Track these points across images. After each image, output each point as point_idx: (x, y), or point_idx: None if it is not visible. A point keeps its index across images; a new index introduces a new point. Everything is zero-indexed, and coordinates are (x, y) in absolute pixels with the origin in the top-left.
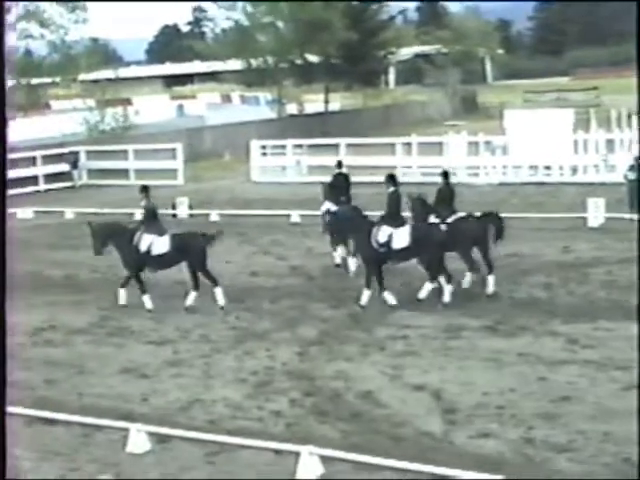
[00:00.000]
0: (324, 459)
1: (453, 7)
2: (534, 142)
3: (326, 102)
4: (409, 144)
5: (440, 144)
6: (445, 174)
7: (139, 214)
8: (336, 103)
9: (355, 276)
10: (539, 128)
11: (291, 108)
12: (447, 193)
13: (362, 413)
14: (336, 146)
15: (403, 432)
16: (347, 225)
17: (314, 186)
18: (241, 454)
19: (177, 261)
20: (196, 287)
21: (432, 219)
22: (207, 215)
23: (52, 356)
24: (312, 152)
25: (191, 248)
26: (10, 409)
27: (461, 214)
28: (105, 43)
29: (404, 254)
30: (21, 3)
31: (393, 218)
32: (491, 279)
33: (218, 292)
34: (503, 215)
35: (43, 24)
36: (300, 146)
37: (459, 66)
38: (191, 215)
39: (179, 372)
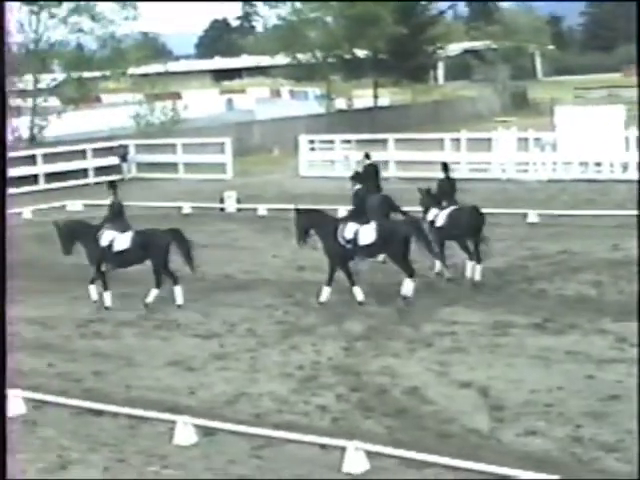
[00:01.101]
0: (370, 454)
1: (504, 2)
2: (584, 138)
3: (375, 97)
4: (458, 140)
5: (489, 140)
6: (445, 167)
7: (187, 207)
8: (385, 98)
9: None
10: (590, 124)
11: (340, 103)
12: (448, 185)
13: (408, 409)
14: (384, 141)
15: (450, 429)
16: (313, 221)
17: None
18: (287, 448)
19: (139, 258)
20: (158, 285)
21: (434, 210)
22: (255, 209)
23: (100, 348)
24: (360, 147)
25: (153, 245)
26: (57, 400)
27: (464, 206)
28: (155, 37)
29: (370, 250)
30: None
31: (359, 215)
32: (478, 268)
33: (177, 291)
34: (553, 212)
35: (94, 18)
36: (348, 141)
37: (509, 62)
38: (239, 209)
39: (225, 365)
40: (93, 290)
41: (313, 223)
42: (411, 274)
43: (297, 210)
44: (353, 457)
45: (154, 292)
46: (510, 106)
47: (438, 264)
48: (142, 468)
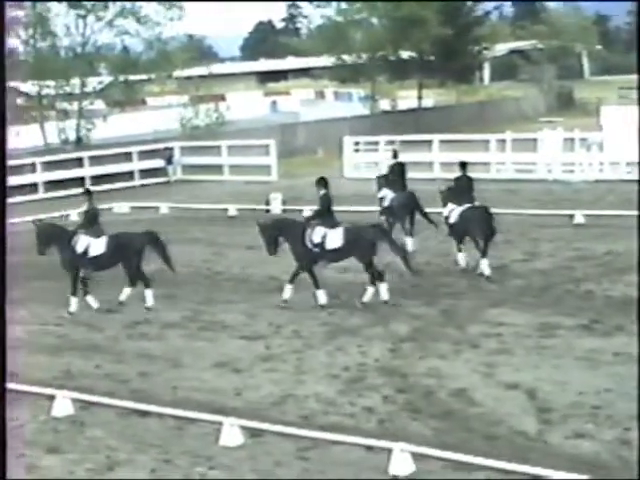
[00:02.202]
0: (416, 456)
1: (551, 2)
2: (631, 138)
3: (419, 98)
4: (503, 140)
5: (535, 140)
6: (463, 165)
7: (233, 209)
8: (429, 99)
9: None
10: (636, 124)
11: (384, 104)
12: (465, 184)
13: (455, 411)
14: (429, 142)
15: (497, 431)
16: (280, 228)
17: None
18: (333, 450)
19: (113, 262)
20: (131, 283)
21: (450, 206)
22: (300, 211)
23: (146, 349)
24: (405, 148)
25: (127, 249)
26: (104, 400)
27: (476, 204)
28: (200, 39)
29: (336, 254)
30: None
31: (327, 219)
32: (485, 262)
33: (148, 293)
34: (600, 213)
35: (140, 21)
36: (393, 142)
37: (555, 62)
38: (284, 211)
39: (271, 367)
40: (74, 301)
41: (280, 230)
42: (381, 279)
43: (259, 223)
44: (399, 459)
45: (127, 290)
46: (556, 106)
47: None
48: (189, 469)
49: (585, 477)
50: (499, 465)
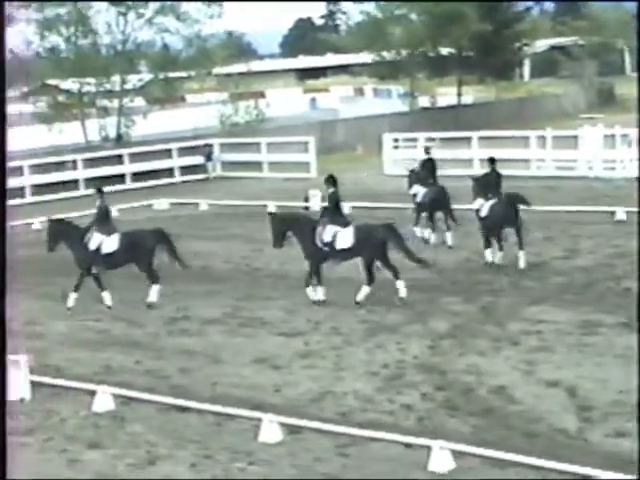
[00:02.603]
0: (455, 453)
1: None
2: None
3: (459, 95)
4: (543, 137)
5: (575, 137)
6: (492, 160)
7: (272, 206)
8: (469, 96)
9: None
10: None
11: (423, 101)
12: (494, 178)
13: (494, 408)
14: (469, 139)
15: (536, 428)
16: (289, 224)
17: (445, 180)
18: (372, 447)
19: (125, 260)
20: (154, 281)
21: (480, 200)
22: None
23: (186, 345)
24: (444, 145)
25: (138, 247)
26: (144, 396)
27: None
28: (240, 36)
29: (347, 254)
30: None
31: (338, 218)
32: (522, 254)
33: (154, 289)
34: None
35: (179, 18)
36: (432, 139)
37: (596, 58)
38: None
39: (310, 364)
40: (73, 297)
41: (290, 226)
42: (397, 275)
43: (271, 214)
44: (438, 456)
45: (156, 288)
46: (597, 103)
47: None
48: (228, 464)
49: (630, 477)
50: (538, 463)
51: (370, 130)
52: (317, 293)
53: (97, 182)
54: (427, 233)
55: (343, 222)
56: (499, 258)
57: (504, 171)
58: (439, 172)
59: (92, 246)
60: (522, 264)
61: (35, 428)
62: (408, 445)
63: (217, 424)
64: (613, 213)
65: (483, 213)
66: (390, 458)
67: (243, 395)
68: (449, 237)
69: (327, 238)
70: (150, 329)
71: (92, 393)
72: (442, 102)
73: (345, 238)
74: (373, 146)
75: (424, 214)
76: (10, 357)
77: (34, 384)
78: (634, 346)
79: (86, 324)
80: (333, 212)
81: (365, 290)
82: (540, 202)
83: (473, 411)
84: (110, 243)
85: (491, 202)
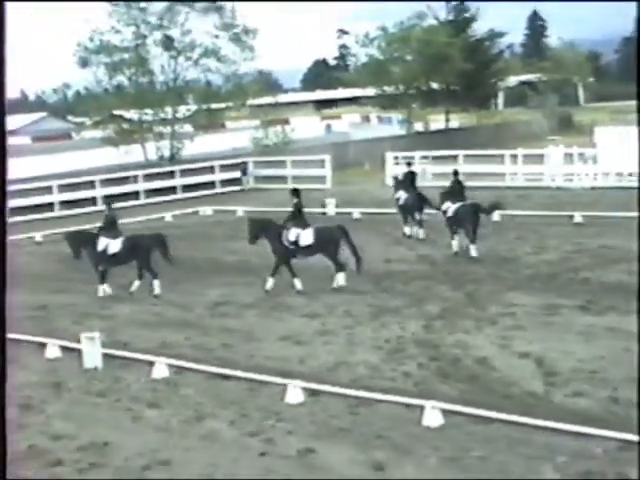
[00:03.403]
0: (445, 412)
1: (552, 42)
2: (619, 153)
3: (447, 121)
4: (515, 155)
5: (541, 155)
6: (455, 173)
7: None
8: (455, 122)
9: (473, 261)
10: (623, 141)
11: (418, 126)
12: (457, 187)
13: (477, 375)
14: (455, 157)
15: (511, 391)
16: (261, 228)
17: (437, 190)
18: (377, 407)
19: (128, 259)
20: (140, 277)
21: (447, 204)
22: (350, 213)
23: (227, 325)
24: (435, 162)
25: (138, 249)
26: (193, 366)
27: (467, 202)
28: (268, 73)
29: (309, 250)
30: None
31: (299, 222)
32: (473, 247)
33: (156, 283)
34: (595, 214)
35: (220, 60)
36: (426, 157)
37: (557, 91)
38: (337, 213)
39: (327, 340)
40: (101, 288)
41: (262, 229)
42: (342, 269)
43: (248, 219)
44: (431, 414)
45: (136, 283)
46: (558, 127)
47: (472, 249)
48: (261, 422)
49: (585, 429)
50: (513, 419)
51: (375, 150)
52: (296, 284)
53: (154, 193)
54: (411, 230)
55: (304, 225)
56: (474, 249)
57: (484, 183)
58: (432, 183)
59: (100, 248)
60: (473, 253)
61: (106, 391)
62: (407, 405)
63: (251, 389)
64: (572, 217)
65: (449, 214)
66: (391, 416)
67: (273, 365)
68: (421, 232)
69: (292, 238)
70: (198, 312)
71: (151, 363)
72: (433, 127)
73: (306, 238)
74: (378, 163)
75: (408, 215)
76: (86, 334)
77: (105, 356)
78: (590, 324)
79: (145, 308)
80: (296, 217)
81: (339, 278)
82: (513, 208)
83: (460, 378)
84: (114, 245)
85: (456, 205)
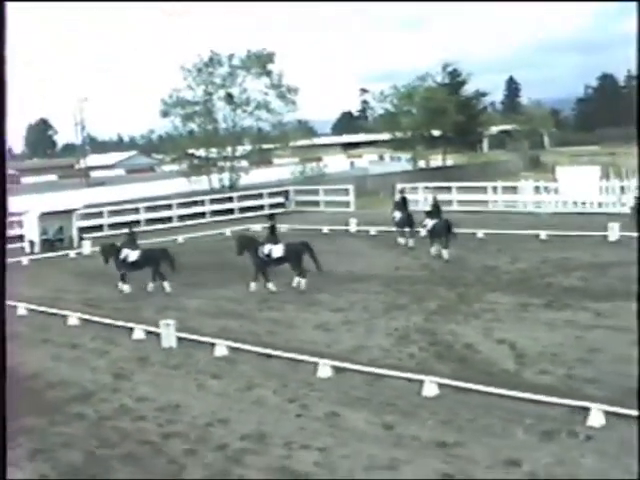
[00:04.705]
0: (440, 385)
1: (524, 101)
2: (576, 186)
3: (444, 160)
4: (496, 187)
5: (515, 187)
6: (434, 199)
7: (326, 229)
8: (450, 161)
9: (463, 268)
10: (579, 178)
11: (421, 164)
12: (435, 209)
13: (465, 357)
14: (450, 188)
15: (491, 369)
16: (245, 243)
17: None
18: (387, 380)
19: (144, 266)
20: (153, 279)
21: (427, 220)
22: (368, 230)
23: (272, 316)
24: (435, 192)
25: (152, 258)
26: (246, 347)
27: (441, 219)
28: (305, 122)
29: (279, 261)
30: (253, 99)
31: (272, 239)
32: (445, 252)
33: (166, 285)
34: (557, 233)
35: (269, 111)
36: (428, 187)
37: (528, 138)
38: (358, 230)
39: (350, 329)
40: (121, 285)
41: (246, 244)
42: (303, 275)
43: (236, 237)
44: (428, 386)
45: (151, 285)
46: (528, 166)
47: (444, 253)
48: (297, 391)
49: (546, 398)
50: (492, 390)
51: (388, 182)
52: (270, 287)
53: (217, 214)
54: (405, 240)
55: (275, 241)
56: (445, 254)
57: (471, 208)
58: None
59: (122, 257)
60: (445, 256)
61: (179, 365)
62: (410, 380)
63: (291, 366)
64: (538, 235)
65: (428, 227)
66: (398, 387)
67: (307, 347)
68: (411, 242)
69: (266, 252)
70: (249, 306)
71: (213, 345)
72: (433, 164)
73: (277, 251)
74: (389, 192)
75: (400, 229)
76: (163, 321)
77: (179, 339)
78: (552, 318)
79: (210, 302)
80: (271, 236)
81: (298, 280)
82: (494, 227)
83: (452, 358)
84: (134, 255)
85: (433, 221)
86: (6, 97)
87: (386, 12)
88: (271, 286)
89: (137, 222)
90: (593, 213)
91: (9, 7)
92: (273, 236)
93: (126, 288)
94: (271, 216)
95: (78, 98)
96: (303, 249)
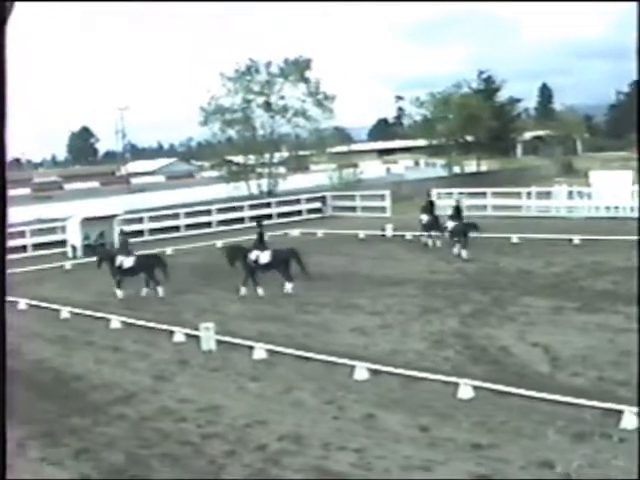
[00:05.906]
0: (475, 388)
1: (557, 107)
2: (609, 191)
3: (478, 166)
4: (530, 192)
5: (549, 192)
6: (457, 201)
7: (362, 234)
8: (484, 166)
9: (496, 272)
10: (612, 182)
11: (456, 169)
12: (457, 211)
13: (499, 360)
14: (484, 193)
15: (525, 372)
16: (235, 252)
17: (469, 218)
18: (423, 383)
19: (139, 272)
20: (147, 285)
21: (449, 222)
22: (403, 235)
23: (309, 320)
24: (469, 197)
25: (146, 264)
26: (283, 350)
27: (461, 222)
28: (342, 129)
29: (267, 267)
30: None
31: (260, 246)
32: (464, 252)
33: (160, 289)
34: (590, 237)
35: (306, 119)
36: (462, 193)
37: (561, 144)
38: (394, 235)
39: (386, 332)
40: (118, 291)
41: (235, 254)
42: (290, 280)
43: (225, 248)
44: (464, 389)
45: (144, 290)
46: (562, 171)
47: (463, 253)
48: (334, 393)
49: (578, 400)
50: (526, 393)
51: (423, 187)
52: (259, 291)
53: (255, 219)
54: (432, 242)
55: (263, 248)
56: (465, 254)
57: (505, 213)
58: (466, 213)
59: (117, 264)
60: (464, 256)
61: (219, 367)
62: (445, 382)
63: (327, 368)
64: (572, 240)
65: (449, 228)
66: (434, 390)
67: (344, 350)
68: (438, 242)
69: (253, 258)
70: (287, 309)
71: (251, 347)
72: (468, 170)
73: (265, 258)
74: (425, 197)
75: (427, 232)
76: (203, 324)
77: (218, 342)
78: (585, 321)
79: (249, 307)
80: (259, 243)
81: (288, 286)
82: (528, 232)
83: (486, 361)
84: (129, 261)
85: (454, 223)
86: (7, 105)
87: (419, 18)
88: (260, 291)
89: (177, 227)
90: (625, 217)
91: (42, 9)
92: (261, 244)
93: (119, 294)
94: (259, 224)
95: (119, 106)
96: (290, 255)
